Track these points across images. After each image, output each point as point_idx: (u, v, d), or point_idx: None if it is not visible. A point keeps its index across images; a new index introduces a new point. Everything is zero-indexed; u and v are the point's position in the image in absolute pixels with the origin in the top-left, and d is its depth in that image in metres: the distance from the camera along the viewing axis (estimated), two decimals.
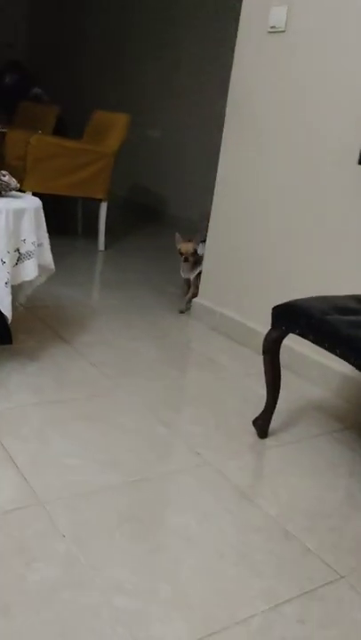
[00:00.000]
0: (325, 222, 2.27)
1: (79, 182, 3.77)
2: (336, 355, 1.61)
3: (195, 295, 2.97)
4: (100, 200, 3.91)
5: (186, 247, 2.94)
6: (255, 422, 1.90)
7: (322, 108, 2.25)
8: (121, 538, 1.35)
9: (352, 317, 1.65)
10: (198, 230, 2.99)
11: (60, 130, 4.67)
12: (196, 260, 2.94)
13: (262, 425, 1.89)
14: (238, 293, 2.70)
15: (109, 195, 3.97)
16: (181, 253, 2.94)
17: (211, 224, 2.83)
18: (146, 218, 5.41)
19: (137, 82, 5.70)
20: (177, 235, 2.96)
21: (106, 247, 4.05)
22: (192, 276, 2.98)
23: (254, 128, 2.55)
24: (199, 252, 2.93)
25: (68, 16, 6.63)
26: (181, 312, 2.97)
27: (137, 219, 5.37)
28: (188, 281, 3.05)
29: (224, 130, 2.71)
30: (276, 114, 2.44)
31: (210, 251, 2.85)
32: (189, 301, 2.98)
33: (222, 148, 2.73)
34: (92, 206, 4.07)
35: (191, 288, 3.00)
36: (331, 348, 1.63)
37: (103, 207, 3.92)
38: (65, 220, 4.63)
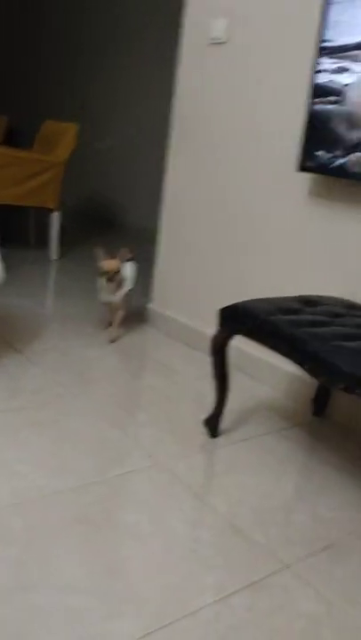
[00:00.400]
0: (269, 227, 2.35)
1: (30, 192, 3.76)
2: (280, 353, 1.67)
3: (123, 318, 2.69)
4: (52, 210, 3.91)
5: (110, 265, 2.55)
6: (206, 423, 1.95)
7: (263, 118, 2.32)
8: (73, 539, 1.37)
9: (294, 317, 1.72)
10: (123, 248, 2.62)
11: (12, 140, 4.65)
12: (120, 280, 2.60)
13: (213, 425, 1.94)
14: (190, 299, 2.75)
15: (61, 204, 3.97)
16: (104, 272, 2.54)
17: (161, 232, 2.88)
18: (99, 227, 5.43)
19: (88, 92, 5.73)
20: (98, 250, 2.57)
21: (60, 256, 4.04)
22: (117, 299, 2.63)
23: (199, 136, 2.62)
24: (124, 272, 2.61)
25: (19, 28, 6.61)
26: (113, 341, 2.64)
27: (90, 228, 5.38)
28: (110, 305, 2.70)
29: (170, 138, 2.77)
30: (220, 122, 2.51)
31: (162, 258, 2.90)
32: (119, 327, 2.69)
33: (169, 156, 2.78)
34: (44, 216, 4.06)
35: (119, 312, 2.67)
36: (275, 348, 1.69)
37: (55, 217, 3.93)
38: (17, 231, 4.60)
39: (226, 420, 2.02)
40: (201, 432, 1.94)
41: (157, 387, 2.28)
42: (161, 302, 2.92)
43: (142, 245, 4.88)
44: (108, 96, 5.51)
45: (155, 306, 2.96)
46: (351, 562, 1.42)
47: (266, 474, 1.76)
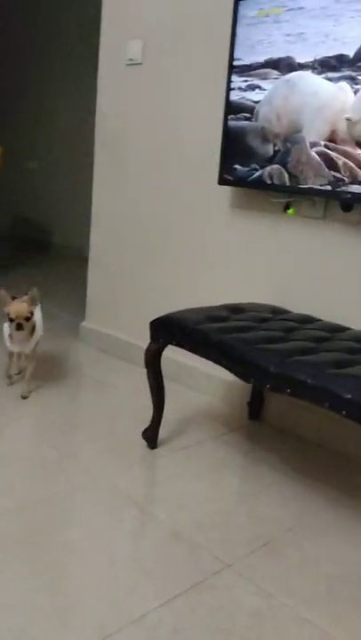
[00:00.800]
0: (195, 239, 2.41)
1: None
2: (211, 360, 1.72)
3: (34, 369, 2.26)
4: None
5: (18, 309, 2.11)
6: (144, 434, 1.97)
7: (184, 134, 2.40)
8: (13, 560, 1.35)
9: (222, 324, 1.78)
10: (32, 288, 2.19)
11: None
12: (33, 326, 2.17)
13: (151, 436, 1.96)
14: (124, 314, 2.78)
15: None
16: (11, 319, 2.11)
17: (91, 250, 2.90)
18: (30, 249, 5.37)
19: (13, 114, 5.69)
20: (1, 292, 2.13)
21: None
22: (29, 350, 2.22)
23: (122, 154, 2.66)
24: (36, 316, 2.19)
25: None
26: (25, 398, 2.21)
27: (21, 250, 5.32)
28: (20, 356, 2.30)
29: (95, 158, 2.81)
30: (142, 140, 2.56)
31: (93, 276, 2.91)
32: (30, 381, 2.26)
33: (95, 174, 2.82)
34: None
35: (30, 365, 2.24)
36: (205, 355, 1.73)
37: None
38: None
39: (164, 431, 2.05)
40: (140, 444, 1.96)
41: (94, 403, 2.28)
42: (95, 319, 2.92)
43: (73, 264, 4.87)
44: (33, 116, 5.50)
45: (88, 324, 2.96)
46: (289, 555, 1.47)
47: (205, 479, 1.79)
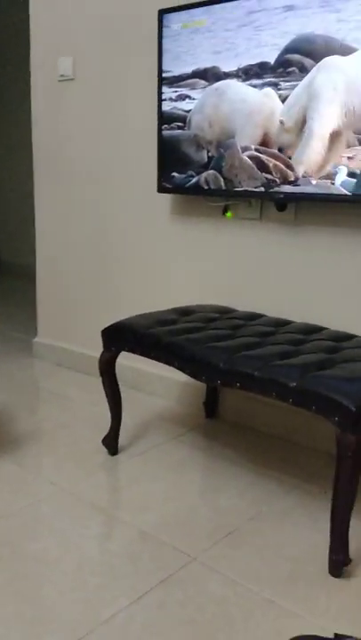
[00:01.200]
0: (140, 246, 2.46)
1: None
2: (163, 362, 1.77)
3: None
4: None
5: None
6: (104, 441, 2.00)
7: (122, 145, 2.45)
8: None
9: (171, 327, 1.83)
10: None
11: None
12: None
13: (111, 443, 1.99)
14: (76, 325, 2.80)
15: None
16: None
17: (38, 265, 2.91)
18: None
19: None
20: None
21: None
22: None
23: (61, 169, 2.69)
24: None
25: None
26: None
27: None
28: None
29: (34, 173, 2.82)
30: (81, 152, 2.60)
31: (42, 290, 2.92)
32: None
33: (36, 189, 2.83)
34: None
35: None
36: (158, 358, 1.78)
37: None
38: None
39: (124, 437, 2.08)
40: (101, 452, 1.99)
41: (53, 416, 2.29)
42: (47, 334, 2.93)
43: (24, 281, 4.85)
44: None
45: (41, 339, 2.96)
46: (251, 543, 1.53)
47: (167, 479, 1.84)
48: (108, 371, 1.92)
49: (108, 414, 1.99)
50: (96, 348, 2.66)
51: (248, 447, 2.06)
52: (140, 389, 2.51)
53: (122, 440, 2.05)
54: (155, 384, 2.48)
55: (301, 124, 1.80)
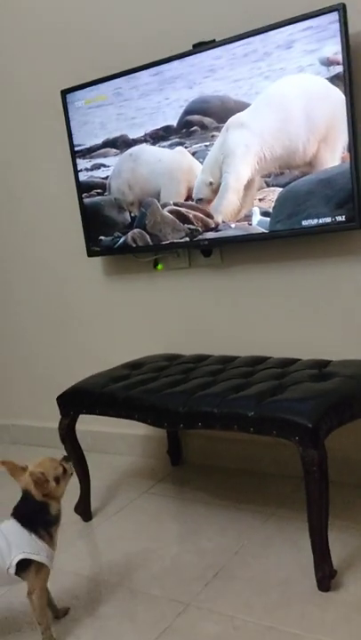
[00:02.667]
0: (81, 310, 2.52)
1: None
2: (123, 417, 1.81)
3: None
4: None
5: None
6: (77, 509, 1.98)
7: (48, 219, 2.53)
8: None
9: (126, 382, 1.88)
10: None
11: None
12: None
13: (84, 509, 1.98)
14: (26, 400, 2.78)
15: None
16: None
17: None
18: None
19: None
20: None
21: None
22: None
23: None
24: None
25: None
26: None
27: None
28: None
29: None
30: (4, 232, 2.66)
31: None
32: None
33: None
34: None
35: None
36: (117, 414, 1.82)
37: None
38: None
39: (96, 500, 2.07)
40: (75, 520, 1.97)
41: (16, 494, 2.25)
42: None
43: None
44: None
45: None
46: (239, 577, 1.56)
47: (145, 533, 1.84)
48: (69, 436, 1.94)
49: (76, 481, 1.98)
50: (51, 419, 2.64)
51: (218, 486, 2.10)
52: (101, 451, 2.51)
53: (94, 504, 2.04)
54: (116, 443, 2.49)
55: (220, 179, 1.95)
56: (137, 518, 1.94)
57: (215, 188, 1.96)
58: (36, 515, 1.35)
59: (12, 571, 1.30)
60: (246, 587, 1.51)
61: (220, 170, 1.94)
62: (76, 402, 1.90)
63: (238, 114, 1.87)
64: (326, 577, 1.47)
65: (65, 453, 1.69)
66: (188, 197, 2.04)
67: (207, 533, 1.79)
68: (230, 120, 1.89)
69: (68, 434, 1.92)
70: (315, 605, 1.41)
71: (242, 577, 1.56)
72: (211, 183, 1.95)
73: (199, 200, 2.01)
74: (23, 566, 1.31)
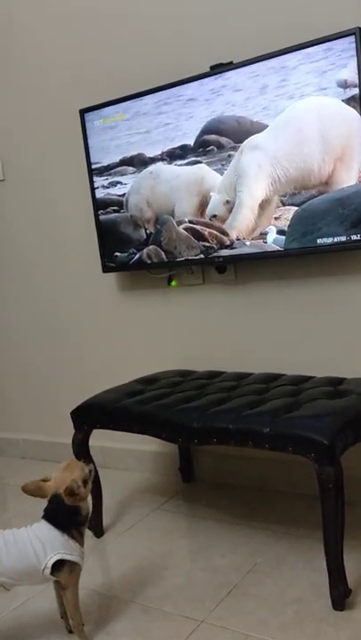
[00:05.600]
0: (93, 326, 2.54)
1: None
2: (137, 432, 1.81)
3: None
4: None
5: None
6: (89, 525, 1.97)
7: (63, 235, 2.56)
8: None
9: (140, 397, 1.88)
10: None
11: None
12: None
13: (96, 525, 1.97)
14: (37, 415, 2.79)
15: None
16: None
17: None
18: None
19: None
20: None
21: None
22: None
23: (8, 267, 2.77)
24: None
25: None
26: None
27: None
28: None
29: None
30: (24, 249, 2.69)
31: None
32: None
33: None
34: None
35: None
36: (131, 429, 1.82)
37: None
38: None
39: (107, 517, 2.07)
40: (87, 536, 1.95)
41: (26, 510, 2.24)
42: (8, 428, 2.90)
43: None
44: None
45: (2, 434, 2.92)
46: (254, 595, 1.55)
47: (157, 550, 1.84)
48: (83, 451, 1.94)
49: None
50: (61, 434, 2.65)
51: (230, 504, 2.09)
52: (113, 467, 2.51)
53: (105, 520, 2.04)
54: (127, 459, 2.49)
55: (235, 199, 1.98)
56: (149, 535, 1.94)
57: (231, 207, 1.99)
58: (68, 517, 1.39)
59: (48, 572, 1.35)
60: (260, 605, 1.50)
61: (234, 191, 1.97)
62: (90, 416, 1.91)
63: (253, 136, 1.90)
64: (341, 596, 1.45)
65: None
66: (202, 211, 2.06)
67: (220, 551, 1.78)
68: (245, 142, 1.92)
69: (81, 448, 1.93)
70: (329, 624, 1.40)
71: (256, 595, 1.55)
72: (227, 202, 1.98)
73: (213, 217, 2.03)
74: (57, 566, 1.36)
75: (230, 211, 1.99)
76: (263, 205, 1.93)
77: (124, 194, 2.22)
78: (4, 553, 1.34)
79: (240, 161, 1.94)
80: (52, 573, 1.36)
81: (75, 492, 1.37)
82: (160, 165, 2.12)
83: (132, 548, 1.86)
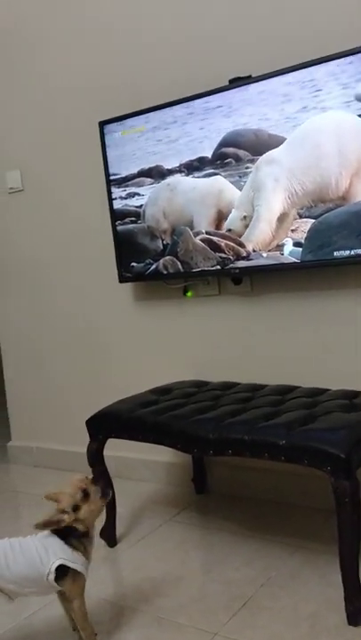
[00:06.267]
0: (108, 336, 2.55)
1: None
2: (152, 442, 1.81)
3: None
4: None
5: None
6: (102, 535, 1.98)
7: (79, 245, 2.59)
8: None
9: (155, 407, 1.89)
10: None
11: None
12: None
13: (109, 535, 1.97)
14: (51, 424, 2.80)
15: None
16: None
17: (5, 367, 2.93)
18: None
19: None
20: None
21: None
22: None
23: (24, 275, 2.80)
24: None
25: None
26: None
27: None
28: None
29: None
30: (40, 258, 2.72)
31: (13, 393, 2.93)
32: None
33: None
34: None
35: None
36: (145, 439, 1.83)
37: None
38: None
39: (121, 527, 2.06)
40: (100, 545, 1.96)
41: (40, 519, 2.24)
42: (22, 436, 2.91)
43: None
44: None
45: (16, 442, 2.94)
46: (269, 608, 1.54)
47: (171, 561, 1.83)
48: (97, 460, 1.94)
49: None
50: (74, 443, 2.66)
51: (243, 516, 2.08)
52: (126, 477, 2.51)
53: (118, 530, 2.03)
54: (140, 469, 2.49)
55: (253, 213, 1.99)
56: (162, 546, 1.93)
57: (247, 223, 2.00)
58: (65, 529, 1.39)
59: (52, 577, 1.34)
60: (275, 619, 1.49)
61: (252, 206, 1.98)
62: (105, 426, 1.91)
63: (270, 152, 1.92)
64: (357, 611, 1.44)
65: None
66: (219, 223, 2.07)
67: (234, 563, 1.77)
68: (261, 157, 1.94)
69: (96, 457, 1.93)
70: None
71: (270, 609, 1.54)
72: (245, 217, 1.99)
73: (228, 230, 2.04)
74: (61, 574, 1.35)
75: (247, 226, 2.00)
76: (281, 219, 1.94)
77: (141, 205, 2.24)
78: (11, 559, 1.34)
79: (257, 175, 1.95)
80: (56, 581, 1.35)
81: (54, 523, 1.38)
82: (177, 177, 2.14)
83: (145, 559, 1.86)
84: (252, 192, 1.97)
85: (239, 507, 2.15)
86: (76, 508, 1.39)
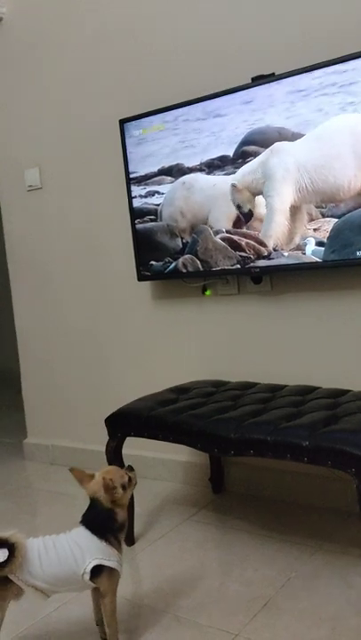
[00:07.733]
0: (126, 334, 2.55)
1: None
2: (171, 441, 1.81)
3: None
4: None
5: None
6: None
7: (98, 243, 2.59)
8: None
9: (173, 406, 1.88)
10: None
11: None
12: None
13: (127, 534, 1.96)
14: (66, 421, 2.80)
15: None
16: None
17: (22, 368, 2.94)
18: None
19: None
20: None
21: None
22: None
23: (37, 271, 2.80)
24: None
25: None
26: None
27: None
28: None
29: (11, 281, 2.92)
30: (57, 254, 2.72)
31: (29, 392, 2.93)
32: None
33: (14, 296, 2.91)
34: None
35: None
36: (165, 438, 1.82)
37: None
38: None
39: (138, 526, 2.06)
40: None
41: (56, 515, 2.25)
42: (38, 434, 2.92)
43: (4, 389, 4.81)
44: None
45: (32, 439, 2.95)
46: (288, 610, 1.53)
47: (189, 560, 1.82)
48: (115, 458, 1.94)
49: None
50: (91, 441, 2.66)
51: (261, 516, 2.07)
52: (143, 476, 2.49)
53: (136, 529, 2.03)
54: (157, 468, 2.49)
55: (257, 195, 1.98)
56: (180, 545, 1.93)
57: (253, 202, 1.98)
58: (104, 522, 1.40)
59: (87, 577, 1.35)
60: (295, 620, 1.48)
61: (259, 190, 1.97)
62: (124, 424, 1.91)
63: (283, 142, 1.90)
64: None
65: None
66: (238, 220, 2.06)
67: (253, 564, 1.76)
68: (274, 145, 1.93)
69: (115, 455, 1.93)
70: None
71: (291, 610, 1.53)
72: (245, 193, 1.98)
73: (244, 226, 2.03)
74: (96, 572, 1.36)
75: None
76: (293, 212, 1.92)
77: (160, 203, 2.23)
78: (44, 559, 1.34)
79: (268, 161, 1.94)
80: (91, 579, 1.36)
81: (110, 487, 1.38)
82: (193, 175, 2.13)
83: (163, 558, 1.86)
84: (260, 175, 1.95)
85: (256, 507, 2.14)
86: (122, 489, 1.41)
